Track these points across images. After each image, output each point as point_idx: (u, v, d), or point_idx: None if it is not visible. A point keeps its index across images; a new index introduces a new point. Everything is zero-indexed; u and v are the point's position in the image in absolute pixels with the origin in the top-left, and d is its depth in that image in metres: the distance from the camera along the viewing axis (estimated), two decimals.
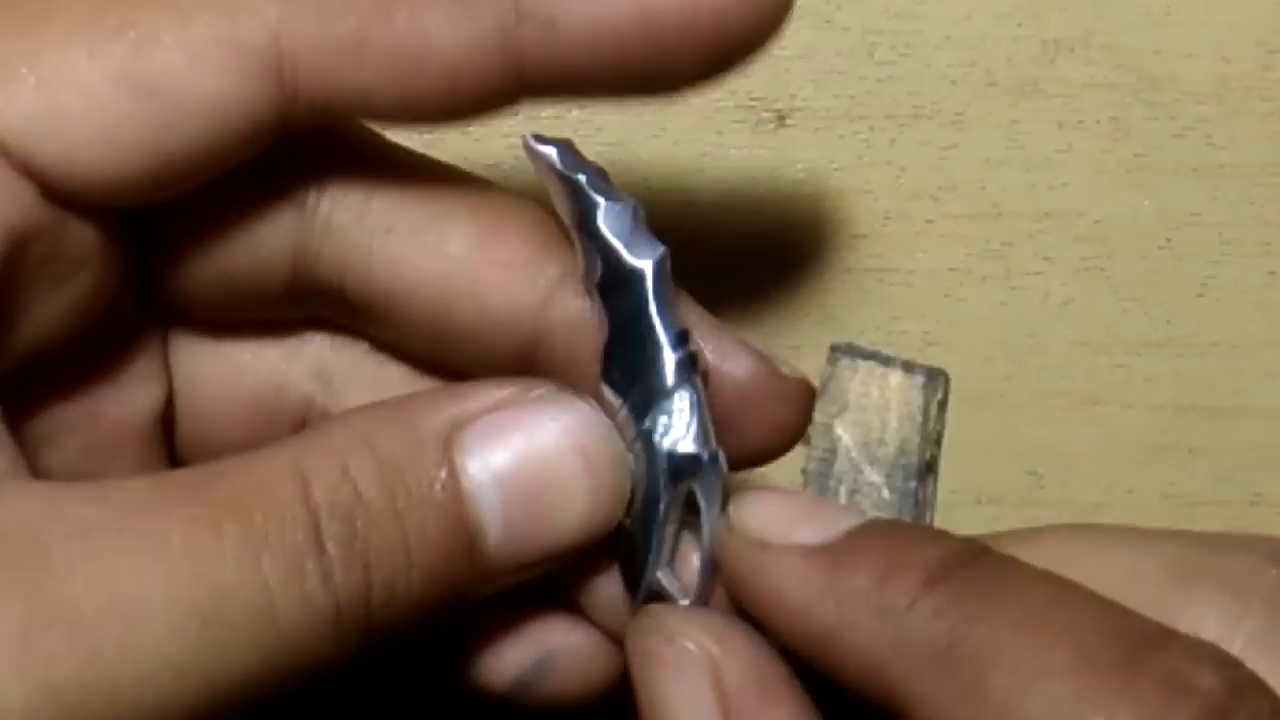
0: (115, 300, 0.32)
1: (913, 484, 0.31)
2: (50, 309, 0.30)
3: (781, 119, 0.41)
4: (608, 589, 0.32)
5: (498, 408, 0.30)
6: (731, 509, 0.30)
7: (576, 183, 0.31)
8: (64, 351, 0.31)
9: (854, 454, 0.31)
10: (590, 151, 0.32)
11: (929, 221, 0.41)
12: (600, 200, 0.31)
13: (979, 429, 0.41)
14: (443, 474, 0.29)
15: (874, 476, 0.31)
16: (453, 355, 0.32)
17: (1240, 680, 0.26)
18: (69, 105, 0.29)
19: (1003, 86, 0.41)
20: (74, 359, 0.32)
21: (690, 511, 0.31)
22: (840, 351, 0.31)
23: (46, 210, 0.29)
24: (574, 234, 0.31)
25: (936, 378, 0.31)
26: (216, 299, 0.33)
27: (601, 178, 0.31)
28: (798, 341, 0.40)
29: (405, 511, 0.29)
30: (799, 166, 0.41)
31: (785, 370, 0.32)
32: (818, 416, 0.31)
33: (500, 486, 0.30)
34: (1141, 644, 0.26)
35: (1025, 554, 0.28)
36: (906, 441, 0.31)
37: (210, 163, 0.30)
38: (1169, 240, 0.41)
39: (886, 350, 0.31)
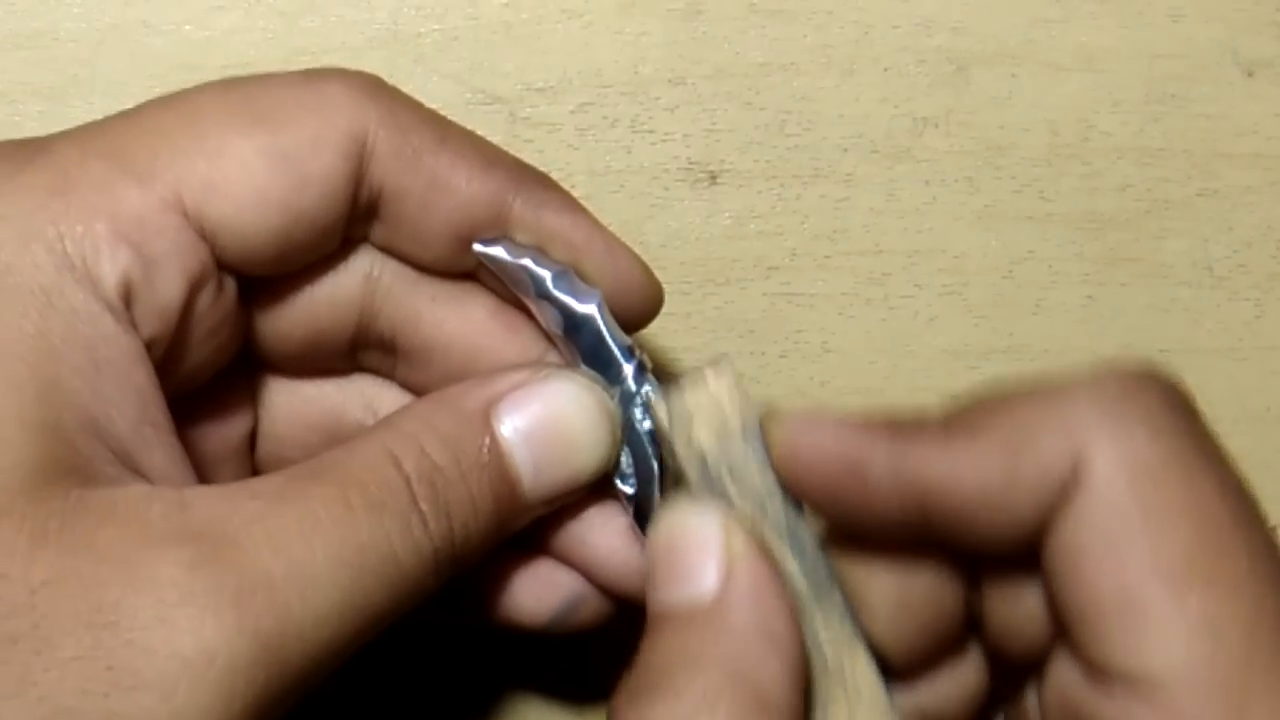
0: (233, 352, 0.34)
1: (758, 430, 0.32)
2: (204, 351, 0.33)
3: (713, 178, 0.43)
4: (606, 554, 0.35)
5: (519, 386, 0.33)
6: (775, 421, 0.30)
7: (526, 266, 0.34)
8: (198, 387, 0.34)
9: (715, 445, 0.32)
10: None
11: (826, 257, 0.43)
12: (547, 272, 0.34)
13: None
14: (486, 440, 0.32)
15: (738, 448, 0.32)
16: None
17: None
18: (229, 173, 0.31)
19: (883, 153, 0.43)
20: (197, 393, 0.34)
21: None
22: (651, 401, 0.33)
23: (213, 267, 0.32)
24: (534, 302, 0.34)
25: (718, 362, 0.32)
26: (299, 348, 0.35)
27: (541, 254, 0.34)
28: (725, 350, 0.43)
29: (467, 472, 0.31)
30: (726, 214, 0.43)
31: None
32: (679, 450, 0.32)
33: (528, 443, 0.32)
34: None
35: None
36: (743, 415, 0.32)
37: (319, 228, 0.32)
38: (1010, 271, 0.43)
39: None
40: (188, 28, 0.41)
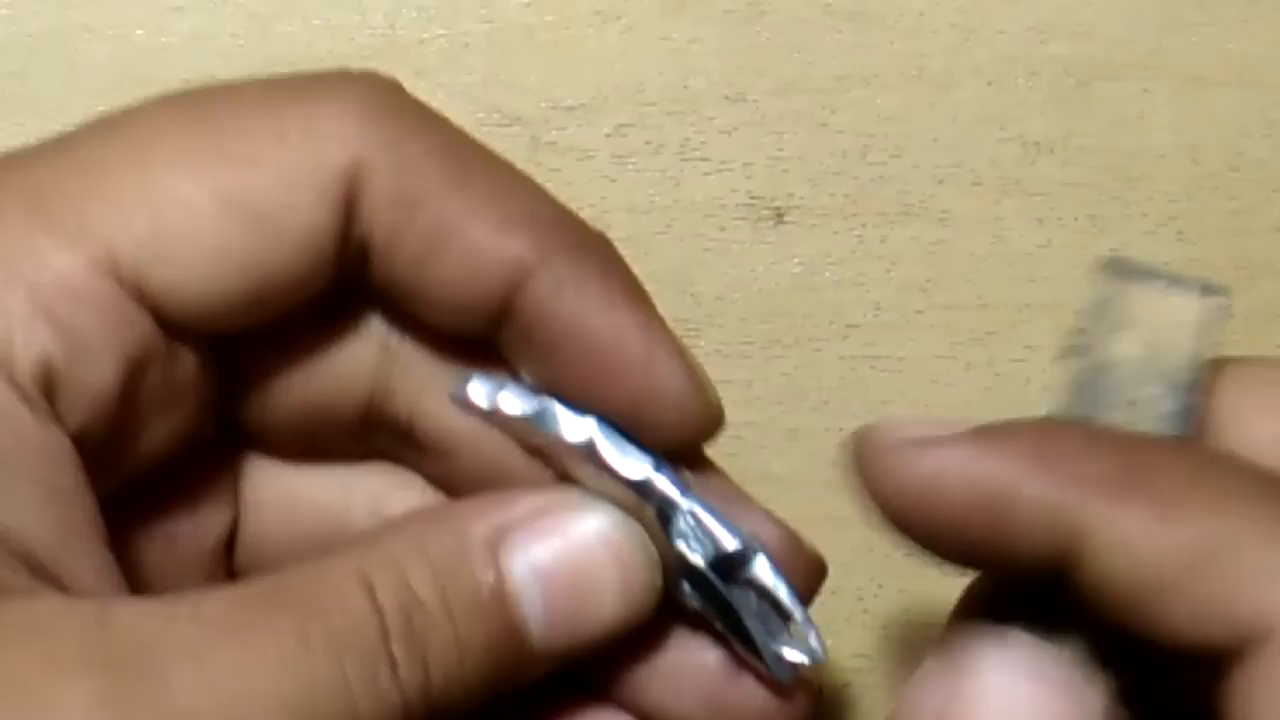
0: (204, 427, 0.33)
1: (1194, 399, 0.30)
2: (156, 434, 0.32)
3: (780, 216, 0.42)
4: (657, 689, 0.33)
5: (538, 514, 0.31)
6: (861, 441, 0.29)
7: (497, 414, 0.32)
8: (156, 474, 0.32)
9: (1137, 368, 0.30)
10: None
11: (918, 312, 0.42)
12: (519, 415, 0.32)
13: None
14: (490, 576, 0.30)
15: (1155, 389, 0.30)
16: None
17: None
18: (176, 227, 0.30)
19: (987, 185, 0.42)
20: (158, 482, 0.33)
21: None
22: (1117, 270, 0.31)
23: (159, 339, 0.30)
24: (528, 432, 0.32)
25: (1214, 293, 0.30)
26: (294, 424, 0.34)
27: (519, 384, 0.32)
28: (794, 425, 0.41)
29: (457, 612, 0.30)
30: (796, 260, 0.42)
31: (806, 545, 0.33)
32: (1095, 329, 0.30)
33: (542, 585, 0.31)
34: None
35: None
36: (1191, 357, 0.30)
37: (296, 285, 0.31)
38: None
39: (1161, 269, 0.30)
40: (139, 33, 0.41)
